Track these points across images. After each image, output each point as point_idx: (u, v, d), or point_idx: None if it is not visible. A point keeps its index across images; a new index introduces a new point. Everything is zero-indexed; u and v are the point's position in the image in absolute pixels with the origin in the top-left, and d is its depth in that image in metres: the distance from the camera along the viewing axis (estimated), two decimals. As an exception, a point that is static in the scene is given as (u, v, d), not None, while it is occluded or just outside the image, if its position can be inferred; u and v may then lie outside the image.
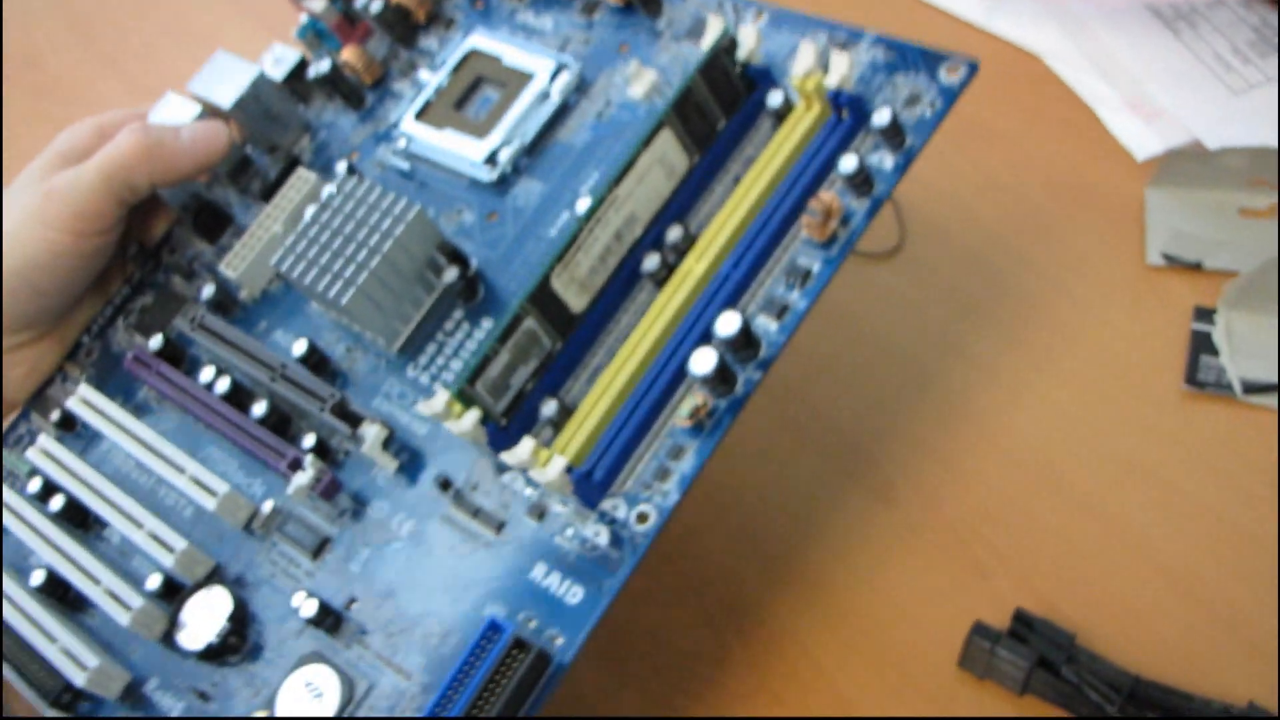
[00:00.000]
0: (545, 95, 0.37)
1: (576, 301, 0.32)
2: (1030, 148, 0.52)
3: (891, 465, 0.42)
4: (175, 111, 0.39)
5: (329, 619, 0.31)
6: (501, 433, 0.31)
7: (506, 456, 0.29)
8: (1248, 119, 0.52)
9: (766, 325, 0.31)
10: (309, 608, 0.31)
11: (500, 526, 0.31)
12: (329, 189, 0.35)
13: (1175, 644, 0.37)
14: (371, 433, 0.33)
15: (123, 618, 0.33)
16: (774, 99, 0.33)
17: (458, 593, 0.31)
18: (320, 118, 0.41)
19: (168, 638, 0.33)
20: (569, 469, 0.29)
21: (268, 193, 0.40)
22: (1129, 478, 0.41)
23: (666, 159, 0.32)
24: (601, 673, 0.39)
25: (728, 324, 0.30)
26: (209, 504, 0.33)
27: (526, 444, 0.29)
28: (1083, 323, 0.45)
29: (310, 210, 0.34)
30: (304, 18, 0.42)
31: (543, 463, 0.29)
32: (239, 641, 0.33)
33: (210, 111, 0.40)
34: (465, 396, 0.30)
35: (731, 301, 0.31)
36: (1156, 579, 0.38)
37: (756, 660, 0.38)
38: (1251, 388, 0.44)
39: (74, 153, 0.39)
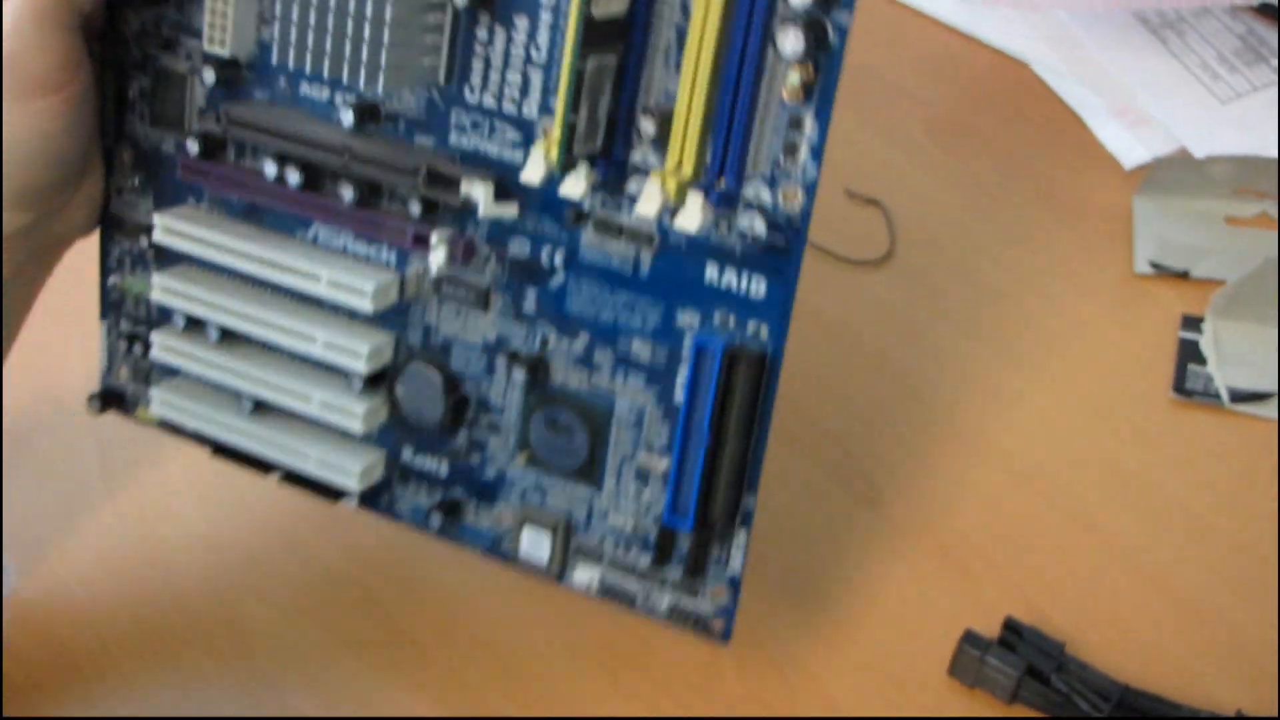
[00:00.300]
0: None
1: (619, 5, 0.36)
2: (1018, 155, 0.65)
3: (881, 472, 0.52)
4: None
5: (539, 369, 0.43)
6: (609, 162, 0.39)
7: (641, 210, 0.37)
8: (1234, 127, 0.65)
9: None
10: (519, 375, 0.42)
11: (651, 239, 0.40)
12: None
13: (1164, 653, 0.46)
14: (480, 193, 0.40)
15: (355, 426, 0.45)
16: None
17: (643, 308, 0.41)
18: None
19: (395, 414, 0.46)
20: (703, 190, 0.37)
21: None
22: (1118, 486, 0.51)
23: None
24: (590, 680, 0.48)
25: (796, -12, 0.34)
26: (365, 306, 0.44)
27: (651, 192, 0.37)
28: (1071, 331, 0.57)
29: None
30: None
31: (673, 194, 0.37)
32: (464, 402, 0.45)
33: None
34: (569, 166, 0.37)
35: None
36: (1145, 588, 0.48)
37: (745, 666, 0.47)
38: (1239, 396, 0.54)
39: None
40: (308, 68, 0.39)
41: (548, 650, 0.49)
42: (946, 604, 0.49)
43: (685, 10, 0.37)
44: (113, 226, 0.49)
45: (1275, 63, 0.68)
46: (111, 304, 0.51)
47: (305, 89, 0.44)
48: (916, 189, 0.61)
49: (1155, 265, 0.60)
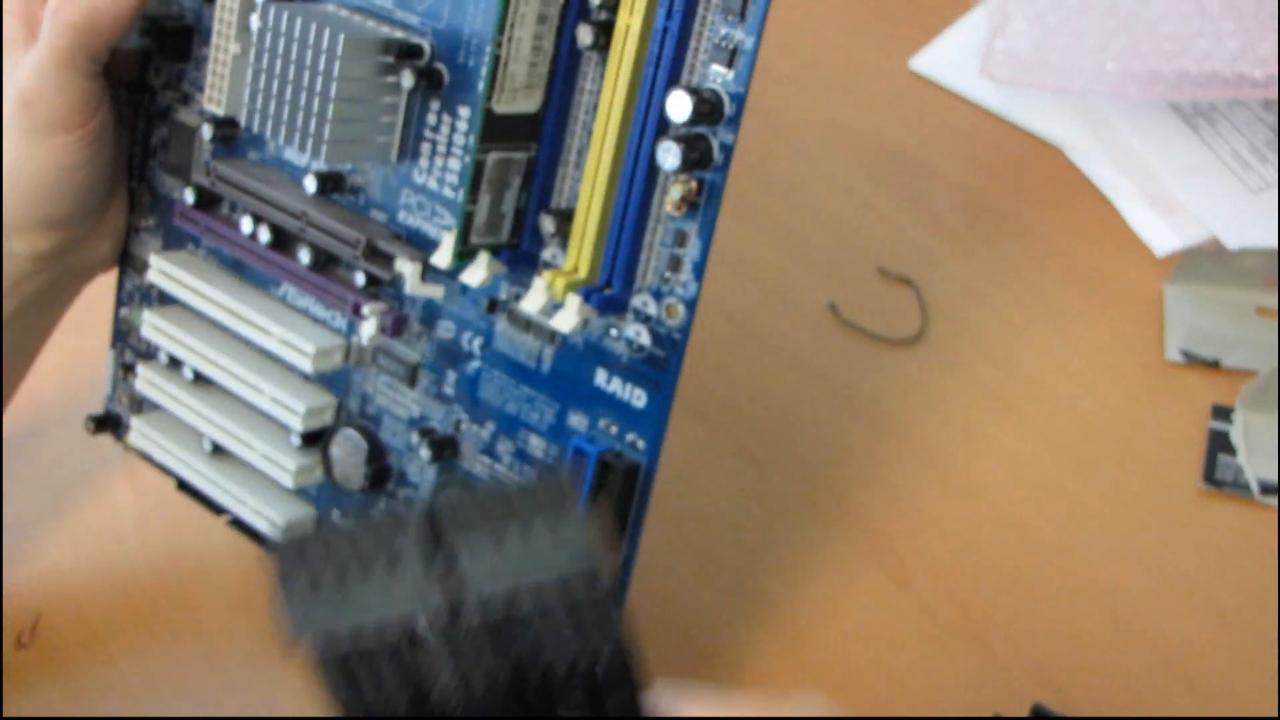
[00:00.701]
0: None
1: (528, 104, 0.38)
2: (1050, 238, 0.64)
3: (911, 553, 0.52)
4: None
5: (447, 449, 0.44)
6: (516, 252, 0.41)
7: (526, 306, 0.39)
8: (1265, 219, 0.65)
9: (722, 75, 0.36)
10: (425, 452, 0.44)
11: (553, 336, 0.41)
12: (254, 21, 0.42)
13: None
14: (409, 270, 0.43)
15: (286, 480, 0.48)
16: None
17: (541, 405, 0.42)
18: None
19: (329, 474, 0.48)
20: (586, 295, 0.38)
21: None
22: (1146, 573, 0.51)
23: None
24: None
25: (679, 107, 0.35)
26: (306, 366, 0.46)
27: (538, 289, 0.39)
28: (1102, 416, 0.57)
29: (251, 55, 0.42)
30: None
31: (560, 294, 0.39)
32: (385, 472, 0.47)
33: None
34: (467, 255, 0.39)
35: (677, 51, 0.36)
36: (1171, 678, 0.48)
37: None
38: (1269, 488, 0.54)
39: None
40: (268, 134, 0.42)
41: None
42: (972, 685, 0.49)
43: (587, 127, 0.39)
44: (127, 262, 0.54)
45: None
46: (120, 334, 0.55)
47: (288, 153, 0.47)
48: (949, 269, 0.62)
49: (1186, 354, 0.59)
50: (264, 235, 0.46)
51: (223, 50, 0.46)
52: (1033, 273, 0.62)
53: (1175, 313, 0.61)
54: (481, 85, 0.37)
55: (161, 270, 0.50)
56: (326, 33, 0.40)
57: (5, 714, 0.52)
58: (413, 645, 0.23)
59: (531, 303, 0.39)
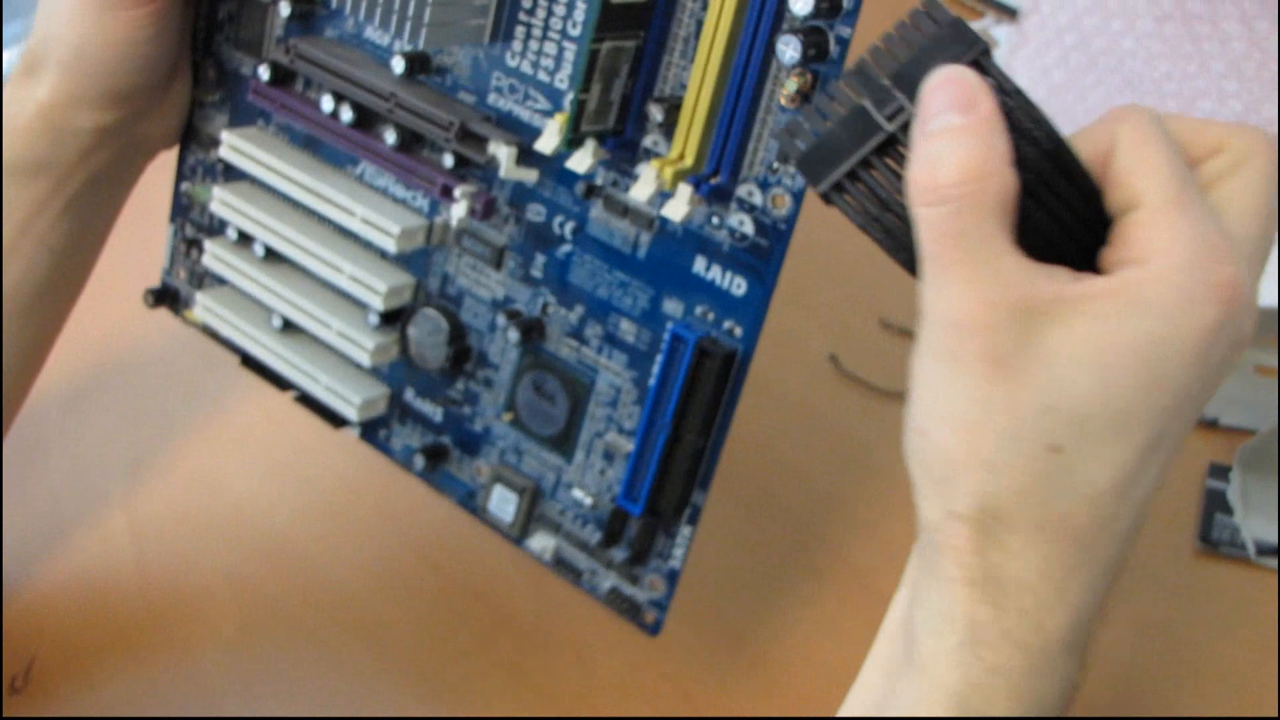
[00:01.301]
0: None
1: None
2: None
3: (892, 592, 0.53)
4: None
5: (534, 331, 0.46)
6: (620, 140, 0.42)
7: (635, 194, 0.40)
8: (1266, 277, 0.59)
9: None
10: (513, 334, 0.46)
11: (651, 223, 0.43)
12: None
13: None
14: (504, 154, 0.44)
15: (363, 358, 0.49)
16: None
17: (635, 291, 0.44)
18: None
19: (405, 354, 0.50)
20: (696, 185, 0.40)
21: None
22: (1142, 634, 0.52)
23: None
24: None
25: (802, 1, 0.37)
26: (389, 246, 0.47)
27: (648, 178, 0.40)
28: None
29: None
30: None
31: (670, 183, 0.40)
32: (466, 353, 0.49)
33: None
34: (576, 141, 0.40)
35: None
36: None
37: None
38: (1265, 549, 0.55)
39: None
40: (362, 15, 0.43)
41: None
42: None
43: (705, 3, 0.40)
44: (191, 137, 0.54)
45: None
46: (180, 208, 0.56)
47: (369, 32, 0.48)
48: None
49: None
50: (346, 114, 0.47)
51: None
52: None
53: None
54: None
55: (234, 146, 0.50)
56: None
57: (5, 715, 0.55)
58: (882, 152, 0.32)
59: (641, 191, 0.40)
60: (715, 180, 0.40)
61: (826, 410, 0.61)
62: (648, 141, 0.42)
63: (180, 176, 0.56)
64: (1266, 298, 0.64)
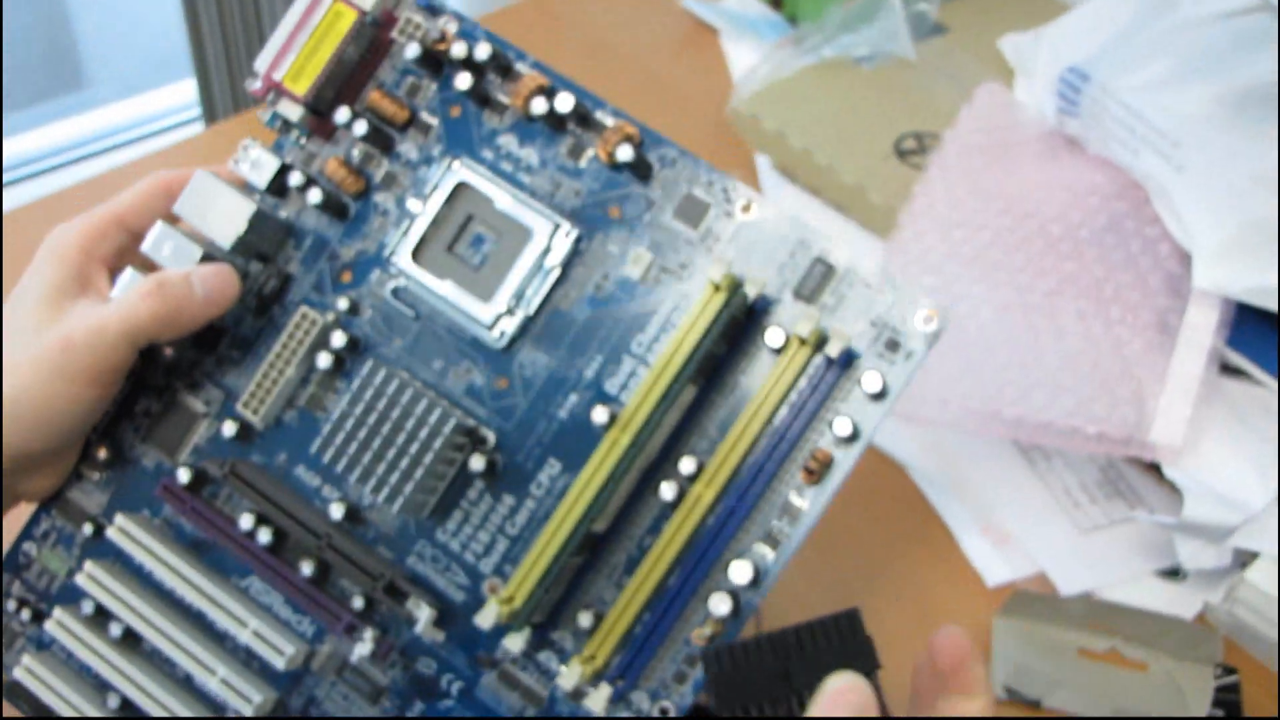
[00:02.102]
0: (544, 255, 0.53)
1: (600, 524, 0.51)
2: (888, 560, 0.72)
3: None
4: (204, 193, 0.55)
5: (400, 771, 0.54)
6: (540, 628, 0.52)
7: (562, 681, 0.50)
8: (1092, 561, 0.73)
9: (763, 552, 0.50)
10: (379, 770, 0.53)
11: (540, 701, 0.53)
12: (322, 359, 0.53)
13: None
14: (424, 615, 0.53)
15: (214, 762, 0.55)
16: (774, 338, 0.49)
17: (508, 755, 0.53)
18: (300, 219, 0.57)
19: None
20: (612, 686, 0.50)
21: (261, 305, 0.57)
22: None
23: (681, 400, 0.50)
24: None
25: (741, 573, 0.49)
26: (278, 663, 0.54)
27: (575, 669, 0.50)
28: None
29: (343, 402, 0.52)
30: (266, 115, 0.57)
31: (588, 677, 0.50)
32: (320, 778, 0.55)
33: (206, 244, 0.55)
34: (518, 626, 0.50)
35: (735, 530, 0.50)
36: None
37: None
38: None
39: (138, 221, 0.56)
40: (340, 468, 0.51)
41: None
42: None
43: (641, 546, 0.51)
44: (55, 503, 0.59)
45: (1130, 500, 0.78)
46: (15, 565, 0.60)
47: (299, 472, 0.56)
48: (786, 585, 0.63)
49: (1010, 691, 0.67)
50: (264, 537, 0.54)
51: (279, 370, 0.55)
52: (868, 595, 0.70)
53: (1001, 648, 0.67)
54: (594, 509, 0.49)
55: (126, 531, 0.56)
56: (437, 412, 0.51)
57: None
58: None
59: (566, 680, 0.50)
60: (620, 684, 0.51)
61: None
62: (555, 636, 0.52)
63: (26, 536, 0.60)
64: (1092, 583, 0.72)
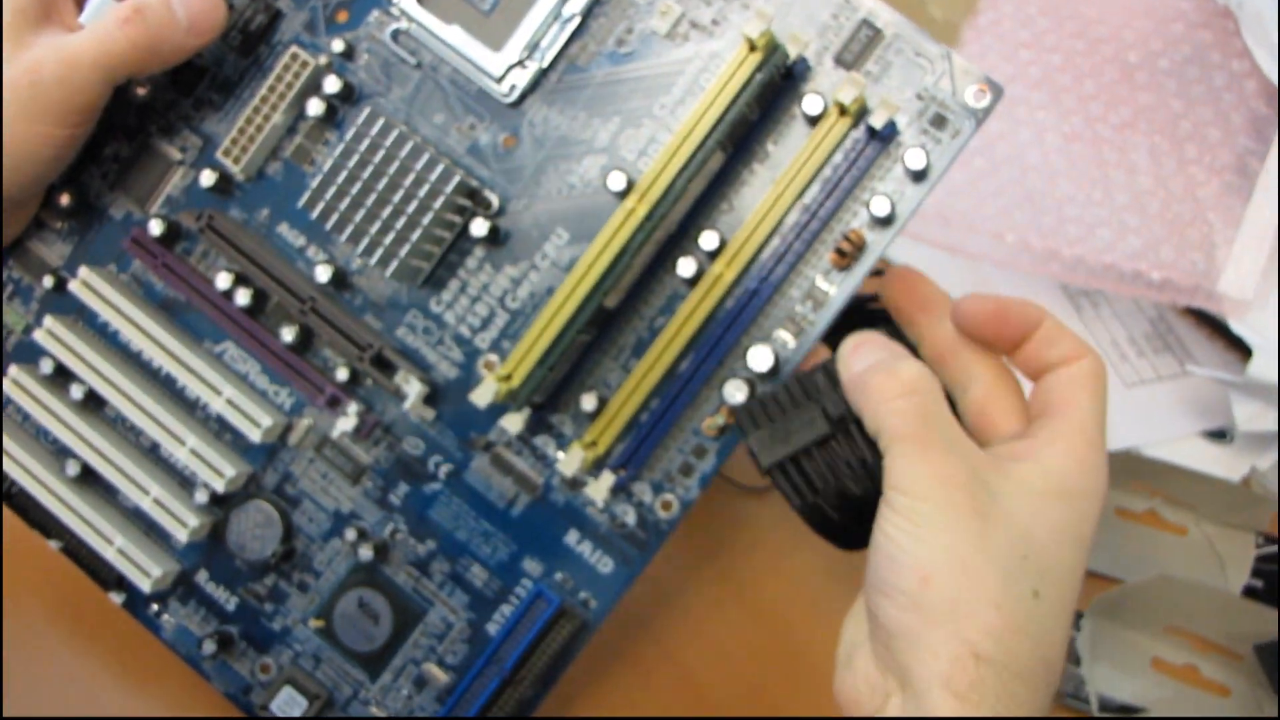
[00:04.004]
0: (563, 2, 0.51)
1: (611, 300, 0.50)
2: None
3: None
4: None
5: (378, 553, 0.54)
6: (540, 409, 0.52)
7: (561, 466, 0.50)
8: (1135, 417, 0.72)
9: (784, 339, 0.50)
10: (365, 552, 0.54)
11: (535, 489, 0.53)
12: (313, 106, 0.52)
13: None
14: (414, 390, 0.53)
15: (181, 533, 0.55)
16: (812, 106, 0.49)
17: (496, 542, 0.54)
18: (295, -54, 0.55)
19: (216, 534, 0.57)
20: (615, 473, 0.51)
21: (247, 43, 0.56)
22: None
23: (706, 168, 0.49)
24: None
25: (761, 359, 0.49)
26: (254, 436, 0.54)
27: (574, 456, 0.50)
28: None
29: (334, 153, 0.51)
30: None
31: (588, 465, 0.51)
32: (290, 554, 0.56)
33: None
34: (516, 405, 0.50)
35: (755, 314, 0.50)
36: None
37: None
38: (1109, 706, 0.62)
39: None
40: (328, 226, 0.51)
41: None
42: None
43: (653, 327, 0.51)
44: (12, 253, 0.59)
45: (1180, 356, 0.77)
46: (-32, 318, 0.60)
47: (283, 229, 0.56)
48: None
49: None
50: (242, 298, 0.54)
51: (264, 116, 0.54)
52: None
53: None
54: (604, 283, 0.49)
55: (90, 285, 0.56)
56: (439, 168, 0.50)
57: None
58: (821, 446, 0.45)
59: (566, 465, 0.50)
60: (622, 474, 0.51)
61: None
62: (555, 420, 0.53)
63: (-18, 287, 0.60)
64: (1136, 439, 0.73)
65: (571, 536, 0.53)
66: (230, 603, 0.57)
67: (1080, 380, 0.45)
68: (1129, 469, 0.69)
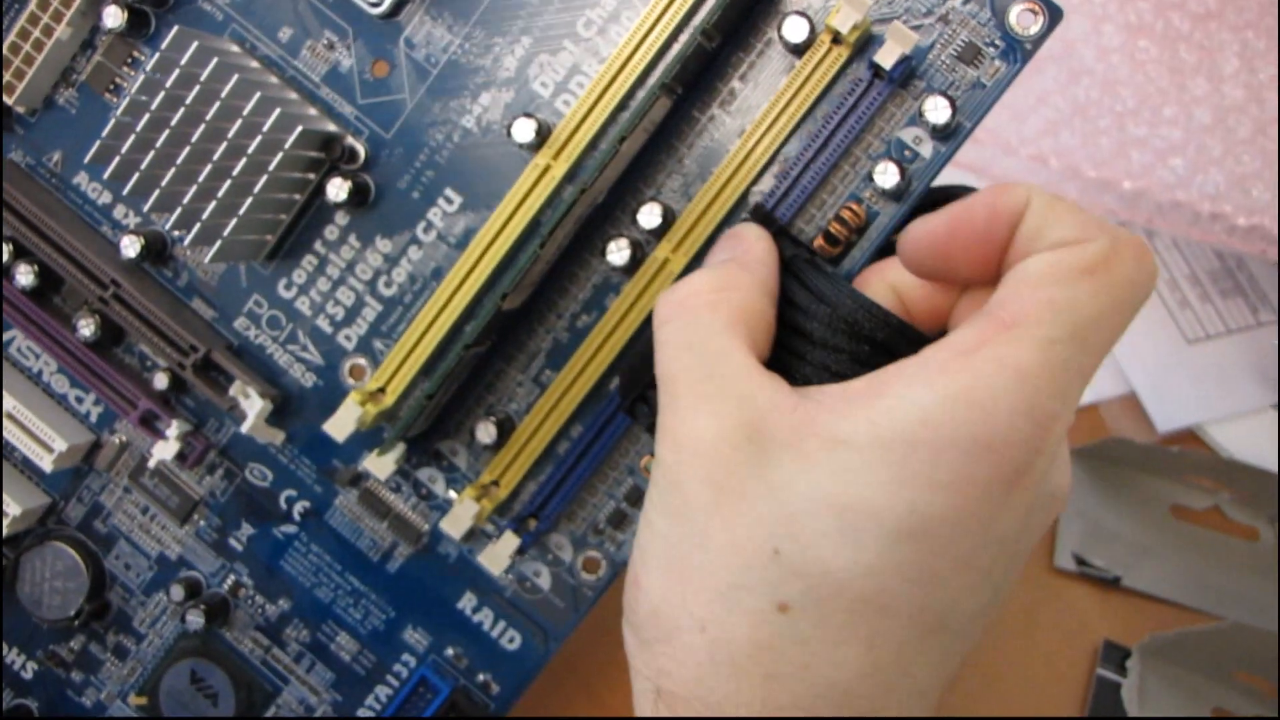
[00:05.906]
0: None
1: (514, 300, 0.39)
2: None
3: None
4: None
5: (215, 613, 0.44)
6: (421, 440, 0.41)
7: (446, 527, 0.40)
8: (1198, 384, 0.61)
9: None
10: (194, 618, 0.43)
11: (417, 537, 0.43)
12: (110, 16, 0.41)
13: None
14: (254, 408, 0.42)
15: (-47, 584, 0.45)
16: (795, 31, 0.37)
17: (369, 606, 0.43)
18: None
19: (6, 585, 0.46)
20: (515, 528, 0.40)
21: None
22: None
23: (648, 115, 0.37)
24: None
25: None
26: (44, 464, 0.44)
27: (466, 509, 0.40)
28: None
29: (134, 87, 0.39)
30: None
31: (484, 516, 0.40)
32: (103, 610, 0.45)
33: None
34: (397, 440, 0.40)
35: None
36: None
37: None
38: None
39: None
40: (128, 190, 0.39)
41: None
42: None
43: (574, 328, 0.40)
44: None
45: (1253, 300, 0.65)
46: None
47: (81, 183, 0.44)
48: None
49: (1081, 562, 0.58)
50: (24, 278, 0.43)
51: (45, 29, 0.43)
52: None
53: (1074, 500, 0.59)
54: (506, 282, 0.37)
55: None
56: (277, 111, 0.39)
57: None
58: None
59: (453, 525, 0.40)
60: (534, 525, 0.41)
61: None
62: (445, 450, 0.42)
63: None
64: (1201, 414, 0.62)
65: (467, 601, 0.42)
66: (27, 669, 0.46)
67: (1062, 267, 0.29)
68: (1188, 460, 0.58)
